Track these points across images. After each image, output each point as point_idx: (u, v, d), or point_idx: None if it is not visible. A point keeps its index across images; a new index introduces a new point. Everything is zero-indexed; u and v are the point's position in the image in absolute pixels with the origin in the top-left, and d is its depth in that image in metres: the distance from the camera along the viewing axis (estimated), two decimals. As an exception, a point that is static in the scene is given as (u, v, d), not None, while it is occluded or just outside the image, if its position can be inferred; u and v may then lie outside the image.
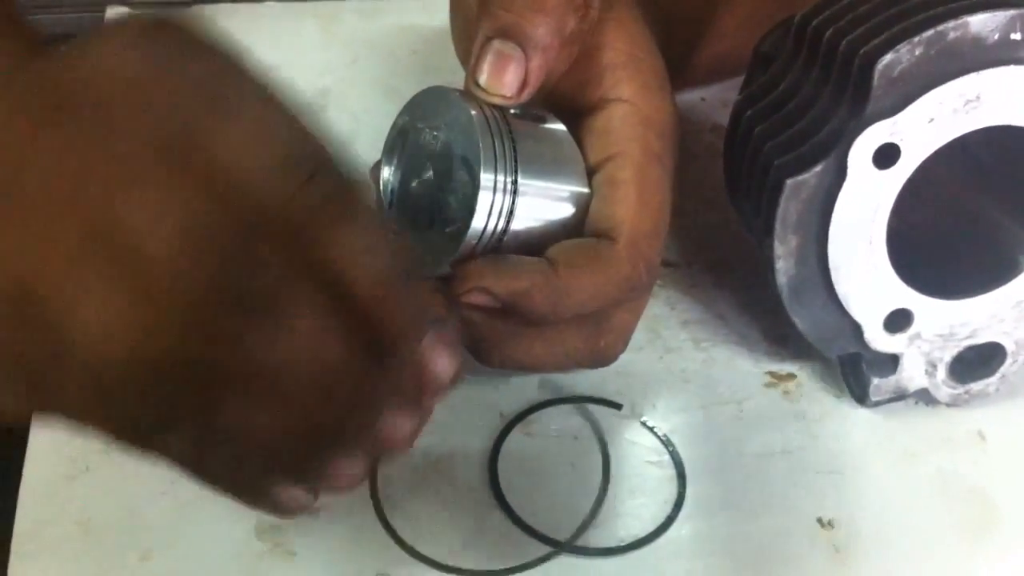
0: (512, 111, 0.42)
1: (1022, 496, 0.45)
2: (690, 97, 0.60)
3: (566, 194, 0.42)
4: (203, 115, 0.27)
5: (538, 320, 0.41)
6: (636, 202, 0.42)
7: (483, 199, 0.39)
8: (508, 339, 0.42)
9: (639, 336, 0.50)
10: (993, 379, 0.47)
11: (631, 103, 0.43)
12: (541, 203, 0.41)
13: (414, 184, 0.42)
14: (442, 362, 0.34)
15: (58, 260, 0.26)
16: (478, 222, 0.39)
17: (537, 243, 0.41)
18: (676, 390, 0.48)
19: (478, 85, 0.41)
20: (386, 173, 0.43)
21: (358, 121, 0.57)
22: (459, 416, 0.45)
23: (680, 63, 0.57)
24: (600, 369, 0.48)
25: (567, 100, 0.44)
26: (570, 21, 0.42)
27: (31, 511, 0.40)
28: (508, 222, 0.40)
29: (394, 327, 0.30)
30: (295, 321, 0.28)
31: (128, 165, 0.27)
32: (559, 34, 0.42)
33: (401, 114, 0.43)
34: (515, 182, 0.40)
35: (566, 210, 0.42)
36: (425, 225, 0.41)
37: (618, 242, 0.42)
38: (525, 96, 0.41)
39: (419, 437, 0.33)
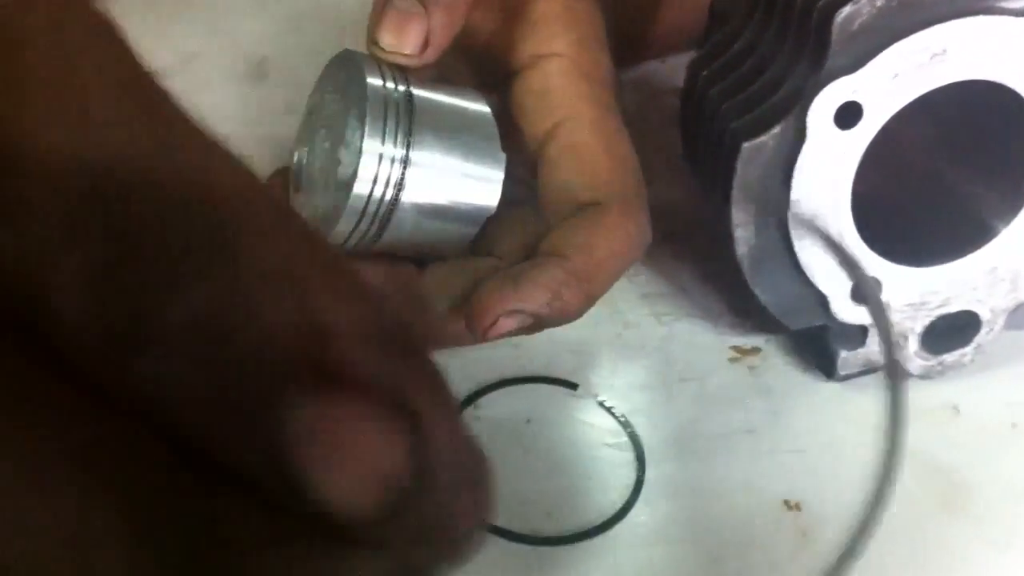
0: (429, 94, 0.40)
1: (997, 472, 0.43)
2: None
3: (470, 172, 0.40)
4: None
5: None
6: (608, 160, 0.40)
7: (366, 164, 0.37)
8: None
9: (596, 311, 0.48)
10: (968, 349, 0.45)
11: (567, 57, 0.41)
12: (439, 178, 0.39)
13: (315, 150, 0.40)
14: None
15: None
16: (361, 188, 0.37)
17: (438, 218, 0.39)
18: (635, 367, 0.45)
19: (377, 44, 0.38)
20: (296, 156, 0.41)
21: (300, 93, 0.54)
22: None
23: (637, 35, 0.54)
24: (554, 346, 0.46)
25: (499, 61, 0.42)
26: None
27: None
28: (398, 192, 0.38)
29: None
30: None
31: None
32: None
33: (312, 92, 0.41)
34: (406, 152, 0.38)
35: (470, 189, 0.40)
36: (322, 188, 0.40)
37: (610, 206, 0.39)
38: (430, 56, 0.39)
39: None
